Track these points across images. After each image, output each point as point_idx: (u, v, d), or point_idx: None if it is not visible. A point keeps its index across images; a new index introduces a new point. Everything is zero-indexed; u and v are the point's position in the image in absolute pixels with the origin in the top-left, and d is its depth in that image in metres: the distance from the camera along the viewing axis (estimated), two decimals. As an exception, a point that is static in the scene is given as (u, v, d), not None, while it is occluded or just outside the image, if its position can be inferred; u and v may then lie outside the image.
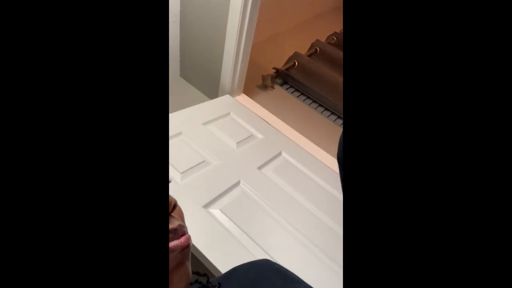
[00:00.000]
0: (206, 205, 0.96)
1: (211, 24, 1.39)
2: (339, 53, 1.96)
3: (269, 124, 1.38)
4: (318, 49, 1.99)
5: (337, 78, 1.75)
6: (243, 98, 1.54)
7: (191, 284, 0.35)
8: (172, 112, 1.24)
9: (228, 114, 1.35)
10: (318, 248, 0.93)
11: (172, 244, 0.29)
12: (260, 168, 1.14)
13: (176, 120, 1.21)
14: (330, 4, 2.51)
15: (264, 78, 1.78)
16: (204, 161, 1.10)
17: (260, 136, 1.29)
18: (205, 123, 1.25)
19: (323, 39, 2.10)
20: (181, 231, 0.30)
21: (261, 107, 1.50)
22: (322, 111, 1.74)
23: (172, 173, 1.02)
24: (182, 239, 0.29)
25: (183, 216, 0.32)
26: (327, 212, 1.04)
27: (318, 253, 0.93)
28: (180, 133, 1.16)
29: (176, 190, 0.98)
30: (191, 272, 0.32)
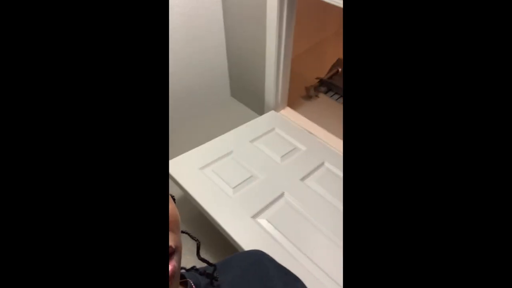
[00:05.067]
0: (254, 216, 1.10)
1: (251, 48, 1.53)
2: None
3: (313, 134, 1.45)
4: (361, 52, 1.98)
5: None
6: (287, 112, 1.64)
7: (188, 270, 0.36)
8: (225, 132, 1.41)
9: (273, 129, 1.46)
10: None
11: None
12: (303, 179, 1.23)
13: (228, 140, 1.38)
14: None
15: (307, 89, 1.85)
16: (251, 176, 1.23)
17: (303, 148, 1.37)
18: (252, 140, 1.39)
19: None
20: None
21: (305, 118, 1.58)
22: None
23: (225, 188, 1.18)
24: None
25: (179, 226, 0.30)
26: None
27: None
28: (231, 152, 1.32)
29: (229, 203, 1.13)
30: None
